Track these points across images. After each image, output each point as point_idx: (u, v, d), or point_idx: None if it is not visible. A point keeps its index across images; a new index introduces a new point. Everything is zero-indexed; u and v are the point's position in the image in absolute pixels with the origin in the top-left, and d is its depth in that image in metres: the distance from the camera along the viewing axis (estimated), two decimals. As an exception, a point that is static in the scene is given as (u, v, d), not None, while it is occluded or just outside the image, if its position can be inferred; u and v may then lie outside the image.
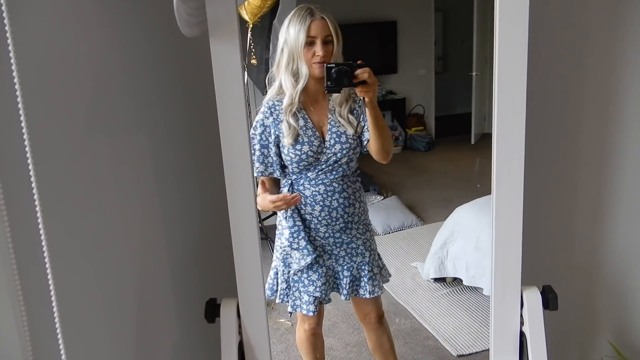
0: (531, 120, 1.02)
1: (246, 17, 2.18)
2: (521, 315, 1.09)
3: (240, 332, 1.13)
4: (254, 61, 2.25)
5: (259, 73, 2.29)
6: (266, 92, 2.31)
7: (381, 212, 2.79)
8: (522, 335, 1.09)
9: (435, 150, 3.28)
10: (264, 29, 2.22)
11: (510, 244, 1.05)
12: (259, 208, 1.58)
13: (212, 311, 1.11)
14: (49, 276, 0.80)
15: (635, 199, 1.43)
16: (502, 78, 1.00)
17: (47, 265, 0.80)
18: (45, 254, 0.79)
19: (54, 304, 0.81)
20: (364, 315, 1.79)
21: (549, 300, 1.06)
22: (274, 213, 2.43)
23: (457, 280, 2.41)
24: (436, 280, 2.44)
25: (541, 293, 1.08)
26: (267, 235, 2.54)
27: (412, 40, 3.37)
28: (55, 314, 0.81)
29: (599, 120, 1.40)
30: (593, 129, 1.41)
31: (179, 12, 0.97)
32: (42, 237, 0.79)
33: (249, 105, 2.19)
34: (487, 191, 1.11)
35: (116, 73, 1.05)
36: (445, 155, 3.27)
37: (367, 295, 1.66)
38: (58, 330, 0.82)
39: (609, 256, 1.47)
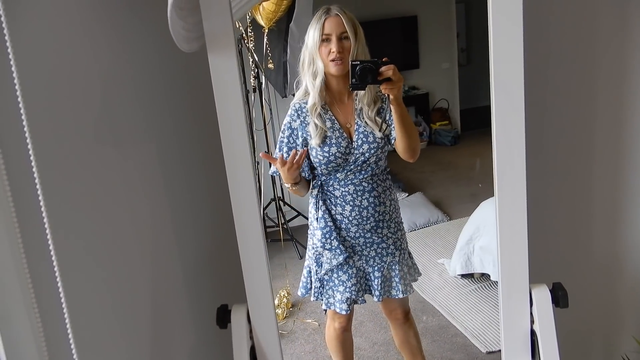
0: (545, 116, 1.01)
1: (262, 22, 2.21)
2: (532, 314, 1.07)
3: (251, 337, 1.15)
4: (270, 65, 2.28)
5: (277, 76, 2.32)
6: (285, 95, 2.35)
7: (406, 209, 2.76)
8: (533, 334, 1.07)
9: (461, 144, 3.22)
10: (280, 33, 2.25)
11: (516, 242, 1.03)
12: (287, 184, 1.57)
13: (223, 317, 1.14)
14: (60, 285, 0.84)
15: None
16: (497, 71, 0.99)
17: (57, 274, 0.84)
18: (55, 264, 0.83)
19: (65, 312, 0.85)
20: (390, 312, 1.80)
21: (559, 298, 1.04)
22: (299, 214, 2.47)
23: (485, 276, 2.37)
24: (463, 276, 2.40)
25: (551, 291, 1.05)
26: (292, 236, 2.57)
27: (433, 34, 3.32)
28: (68, 323, 0.86)
29: (614, 114, 1.36)
30: (608, 123, 1.37)
31: (175, 29, 1.00)
32: (51, 248, 0.83)
33: (268, 109, 2.22)
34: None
35: (123, 83, 1.09)
36: (471, 149, 3.20)
37: (400, 295, 1.67)
38: (71, 339, 0.86)
39: (628, 251, 1.42)
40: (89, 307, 0.93)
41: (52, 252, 0.83)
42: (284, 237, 2.49)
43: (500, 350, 2.01)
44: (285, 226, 2.53)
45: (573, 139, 1.39)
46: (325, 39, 1.47)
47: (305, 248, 2.53)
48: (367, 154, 1.54)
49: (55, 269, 0.83)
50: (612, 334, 1.49)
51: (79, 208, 0.93)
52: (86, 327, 0.89)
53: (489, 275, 2.30)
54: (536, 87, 1.08)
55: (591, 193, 1.42)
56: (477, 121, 3.36)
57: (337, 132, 1.53)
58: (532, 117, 1.03)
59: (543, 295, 1.04)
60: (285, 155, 1.55)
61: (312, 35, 1.49)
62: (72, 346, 0.86)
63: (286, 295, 2.40)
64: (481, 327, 2.17)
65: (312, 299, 1.71)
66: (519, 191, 1.02)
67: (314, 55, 1.49)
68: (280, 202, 2.53)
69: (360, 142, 1.54)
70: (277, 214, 2.51)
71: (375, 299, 1.68)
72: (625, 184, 1.39)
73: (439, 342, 2.14)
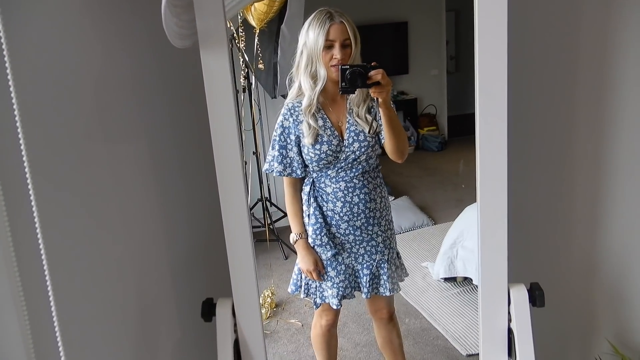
0: (526, 118, 1.04)
1: (253, 23, 2.22)
2: (509, 313, 1.10)
3: (235, 331, 1.17)
4: (261, 66, 2.29)
5: (267, 77, 2.33)
6: (275, 96, 2.36)
7: (392, 213, 2.79)
8: (511, 332, 1.10)
9: (448, 150, 3.26)
10: (272, 34, 2.26)
11: (496, 242, 1.06)
12: (292, 241, 1.69)
13: (208, 310, 1.15)
14: (47, 277, 0.85)
15: (632, 197, 1.42)
16: (482, 69, 1.01)
17: (45, 267, 0.85)
18: (44, 257, 0.84)
19: (52, 303, 0.86)
20: (376, 311, 1.82)
21: (536, 297, 1.07)
22: (285, 215, 2.48)
23: (467, 280, 2.40)
24: (446, 280, 2.44)
25: (528, 290, 1.08)
26: (278, 236, 2.58)
27: (423, 40, 3.37)
28: (54, 314, 0.86)
29: (595, 116, 1.40)
30: (589, 126, 1.41)
31: (169, 25, 1.02)
32: (40, 240, 0.84)
33: (257, 109, 2.23)
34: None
35: (114, 80, 1.10)
36: (458, 155, 3.24)
37: (387, 293, 1.70)
38: (57, 329, 0.87)
39: (606, 254, 1.46)
40: (75, 298, 0.94)
41: (40, 246, 0.84)
42: (269, 237, 2.50)
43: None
44: (271, 226, 2.54)
45: (554, 142, 1.42)
46: (328, 45, 1.50)
47: (291, 249, 2.55)
48: (358, 152, 1.56)
49: (44, 261, 0.84)
50: (587, 335, 1.53)
51: (68, 202, 0.94)
52: (72, 318, 0.90)
53: (472, 279, 2.34)
54: (519, 90, 1.12)
55: (571, 195, 1.46)
56: (464, 128, 3.40)
57: (328, 130, 1.56)
58: (514, 119, 1.06)
59: (521, 294, 1.07)
60: (277, 153, 1.60)
61: (314, 39, 1.50)
62: (58, 337, 0.87)
63: (270, 295, 2.41)
64: (462, 330, 2.20)
65: (302, 295, 1.74)
66: (500, 192, 1.05)
67: (316, 60, 1.51)
68: (266, 202, 2.55)
69: (351, 140, 1.56)
70: (264, 214, 2.52)
71: (363, 295, 1.71)
72: (605, 187, 1.43)
73: (420, 344, 2.17)
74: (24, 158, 0.80)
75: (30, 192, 0.82)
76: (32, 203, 0.82)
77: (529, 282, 1.12)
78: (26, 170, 0.81)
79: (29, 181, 0.81)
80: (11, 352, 0.82)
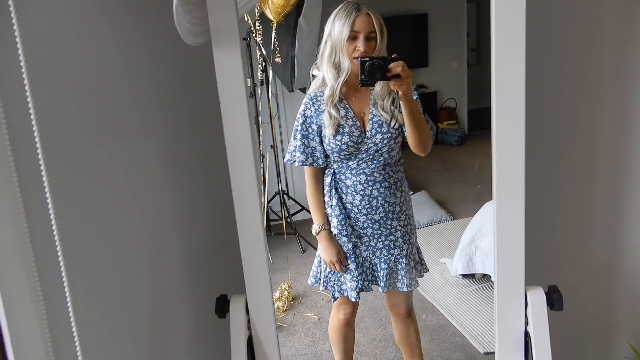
0: (543, 115, 1.01)
1: (270, 16, 2.22)
2: (526, 315, 1.08)
3: (249, 327, 1.17)
4: (278, 59, 2.29)
5: (284, 71, 2.33)
6: (292, 89, 2.35)
7: (411, 208, 2.77)
8: (527, 335, 1.08)
9: (467, 144, 3.20)
10: (289, 27, 2.25)
11: (513, 244, 1.04)
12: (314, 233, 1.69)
13: (222, 307, 1.16)
14: (63, 272, 0.86)
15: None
16: (499, 71, 0.99)
17: (62, 263, 0.86)
18: (59, 251, 0.85)
19: (68, 298, 0.87)
20: (393, 306, 1.81)
21: (554, 300, 1.04)
22: (302, 208, 2.48)
23: (486, 277, 2.37)
24: (465, 276, 2.41)
25: (546, 293, 1.06)
26: (295, 230, 2.59)
27: (443, 32, 3.31)
28: (70, 309, 0.88)
29: (616, 117, 1.35)
30: (609, 125, 1.37)
31: (181, 23, 1.01)
32: (56, 237, 0.85)
33: (275, 103, 2.23)
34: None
35: (127, 79, 1.11)
36: (478, 149, 3.19)
37: (405, 289, 1.69)
38: (73, 325, 0.88)
39: (627, 256, 1.42)
40: (91, 294, 0.95)
41: (56, 241, 0.85)
42: (287, 230, 2.51)
43: (498, 351, 2.04)
44: (288, 220, 2.55)
45: (574, 141, 1.39)
46: (352, 36, 1.48)
47: (308, 242, 2.56)
48: (380, 143, 1.55)
49: (60, 256, 0.85)
50: (607, 338, 1.49)
51: (83, 198, 0.94)
52: (88, 314, 0.91)
53: (490, 276, 2.30)
54: (537, 87, 1.08)
55: (591, 196, 1.42)
56: (484, 122, 3.33)
57: (350, 120, 1.55)
58: (533, 117, 1.03)
59: (538, 297, 1.05)
60: (299, 143, 1.59)
61: (339, 29, 1.49)
62: (75, 332, 0.88)
63: (287, 288, 2.42)
64: (480, 327, 2.17)
65: (321, 288, 1.74)
66: (517, 193, 1.02)
67: (340, 50, 1.50)
68: (284, 195, 2.55)
69: (373, 131, 1.55)
70: (281, 208, 2.53)
71: (380, 289, 1.70)
72: (625, 189, 1.39)
73: (437, 340, 2.15)
74: (40, 155, 0.81)
75: (46, 189, 0.82)
76: (48, 200, 0.83)
77: (545, 284, 1.10)
78: (42, 167, 0.81)
79: (44, 179, 0.82)
80: (29, 346, 0.83)
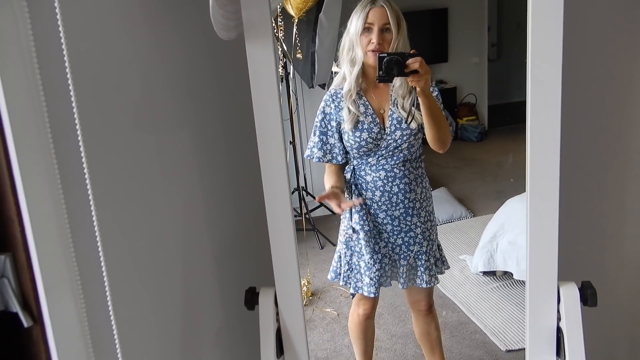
0: (577, 111, 0.99)
1: (292, 12, 2.22)
2: (559, 312, 1.07)
3: (277, 320, 1.18)
4: (299, 55, 2.29)
5: (305, 67, 2.33)
6: (312, 85, 2.35)
7: (430, 204, 2.75)
8: (560, 331, 1.07)
9: (487, 140, 3.18)
10: (310, 23, 2.25)
11: (546, 239, 1.03)
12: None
13: (251, 299, 1.17)
14: (102, 261, 0.87)
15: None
16: (535, 68, 0.98)
17: (100, 252, 0.87)
18: (99, 242, 0.87)
19: (107, 288, 0.89)
20: (414, 302, 1.81)
21: (588, 296, 1.03)
22: (321, 204, 2.48)
23: (507, 274, 2.35)
24: (485, 273, 2.39)
25: (579, 289, 1.05)
26: (314, 226, 2.59)
27: (463, 27, 3.28)
28: (109, 298, 0.89)
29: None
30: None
31: (216, 17, 1.02)
32: (97, 231, 0.86)
33: (295, 99, 2.24)
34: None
35: (160, 75, 1.12)
36: (498, 145, 3.16)
37: (424, 285, 1.68)
38: (111, 313, 0.90)
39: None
40: (127, 284, 0.96)
41: (97, 236, 0.86)
42: (306, 226, 2.51)
43: (520, 349, 2.03)
44: (307, 216, 2.55)
45: (608, 137, 1.37)
46: (367, 29, 1.48)
47: (326, 238, 2.56)
48: (400, 140, 1.54)
49: (99, 247, 0.87)
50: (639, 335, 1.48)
51: (121, 192, 0.96)
52: (125, 304, 0.92)
53: (512, 274, 2.29)
54: (573, 83, 1.07)
55: (625, 192, 1.40)
56: (505, 117, 3.31)
57: (369, 117, 1.54)
58: (567, 114, 1.02)
59: (571, 293, 1.04)
60: (318, 139, 1.59)
61: (354, 22, 1.50)
62: (113, 320, 0.90)
63: (306, 284, 2.43)
64: (502, 325, 2.16)
65: (341, 283, 1.74)
66: (551, 188, 1.01)
67: (354, 43, 1.50)
68: (303, 192, 2.56)
69: (393, 128, 1.54)
70: (300, 204, 2.54)
71: (400, 285, 1.70)
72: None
73: (457, 337, 2.15)
74: (80, 143, 0.82)
75: (88, 183, 0.84)
76: (89, 193, 0.84)
77: (578, 280, 1.09)
78: (83, 160, 0.83)
79: (86, 172, 0.83)
80: (70, 338, 0.85)
